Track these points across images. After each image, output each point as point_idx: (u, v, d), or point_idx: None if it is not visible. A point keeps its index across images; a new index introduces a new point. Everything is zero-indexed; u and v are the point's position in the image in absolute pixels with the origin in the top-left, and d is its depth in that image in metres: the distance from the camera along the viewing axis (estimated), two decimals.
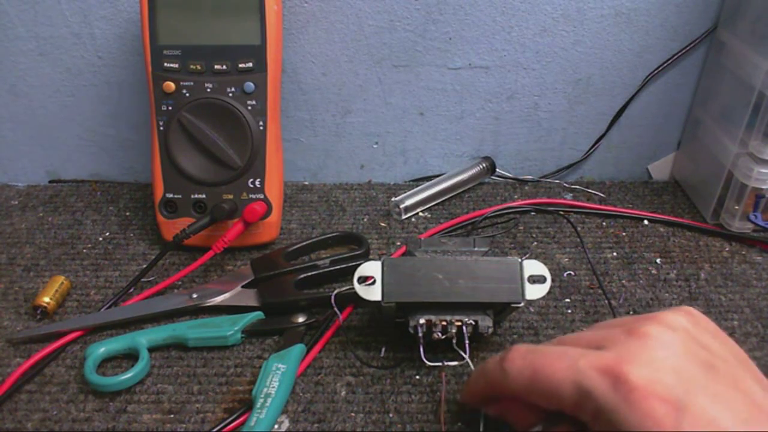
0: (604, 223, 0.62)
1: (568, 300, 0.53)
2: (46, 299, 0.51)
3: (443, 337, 0.43)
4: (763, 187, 0.57)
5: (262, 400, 0.42)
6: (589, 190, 0.67)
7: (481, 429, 0.40)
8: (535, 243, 0.60)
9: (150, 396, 0.45)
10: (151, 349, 0.48)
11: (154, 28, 0.54)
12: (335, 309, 0.47)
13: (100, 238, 0.61)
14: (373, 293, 0.43)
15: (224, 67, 0.54)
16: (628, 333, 0.33)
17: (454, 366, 0.44)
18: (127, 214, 0.65)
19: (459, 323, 0.43)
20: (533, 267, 0.43)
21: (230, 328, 0.48)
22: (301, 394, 0.45)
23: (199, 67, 0.54)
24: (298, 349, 0.46)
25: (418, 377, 0.46)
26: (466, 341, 0.42)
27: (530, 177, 0.70)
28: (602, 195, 0.67)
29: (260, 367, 0.45)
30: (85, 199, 0.67)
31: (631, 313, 0.52)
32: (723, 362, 0.32)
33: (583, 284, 0.55)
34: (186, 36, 0.55)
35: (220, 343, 0.48)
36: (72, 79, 0.64)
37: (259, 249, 0.59)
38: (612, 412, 0.30)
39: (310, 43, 0.62)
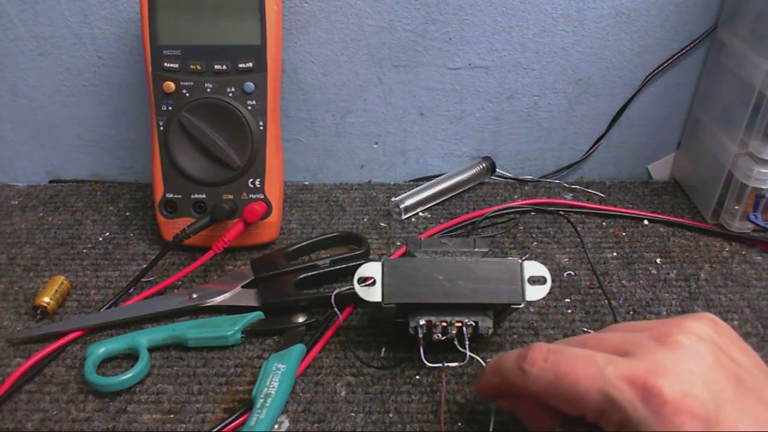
0: (604, 223, 0.62)
1: (568, 300, 0.53)
2: (46, 299, 0.51)
3: (443, 338, 0.43)
4: (763, 187, 0.57)
5: (262, 400, 0.42)
6: (589, 190, 0.67)
7: (492, 425, 0.40)
8: (535, 243, 0.60)
9: (150, 396, 0.45)
10: (151, 349, 0.48)
11: (154, 28, 0.54)
12: (335, 309, 0.47)
13: (100, 238, 0.61)
14: (373, 294, 0.43)
15: (224, 67, 0.54)
16: (657, 341, 0.32)
17: (454, 366, 0.44)
18: (127, 214, 0.65)
19: (459, 324, 0.43)
20: (533, 268, 0.43)
21: (230, 328, 0.48)
22: (301, 394, 0.45)
23: (199, 67, 0.54)
24: (298, 349, 0.46)
25: (418, 377, 0.46)
26: (467, 342, 0.42)
27: (530, 177, 0.70)
28: (602, 195, 0.67)
29: (260, 367, 0.45)
30: (85, 199, 0.67)
31: (631, 313, 0.52)
32: (749, 374, 0.32)
33: (583, 284, 0.55)
34: (186, 36, 0.54)
35: (220, 343, 0.48)
36: (72, 79, 0.64)
37: (259, 249, 0.59)
38: (640, 425, 0.30)
39: (310, 43, 0.62)
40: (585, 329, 0.50)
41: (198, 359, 0.48)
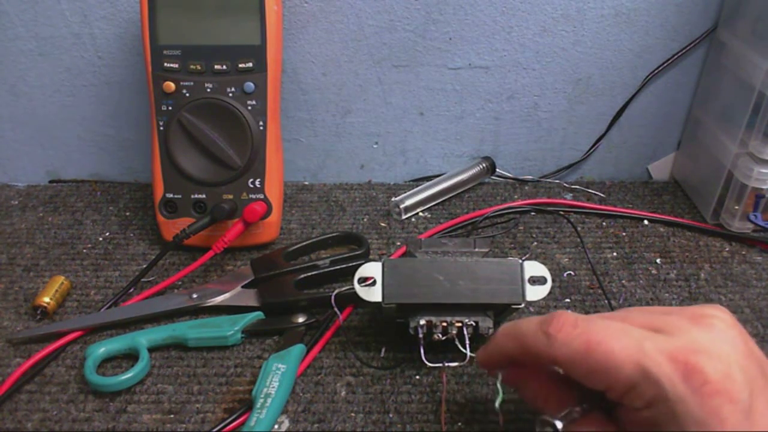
0: (604, 223, 0.62)
1: (568, 300, 0.53)
2: (46, 299, 0.51)
3: (444, 338, 0.43)
4: (763, 187, 0.57)
5: (262, 400, 0.42)
6: (589, 190, 0.67)
7: (500, 397, 0.38)
8: (535, 243, 0.60)
9: (150, 396, 0.45)
10: (151, 349, 0.48)
11: (154, 28, 0.54)
12: (335, 309, 0.47)
13: (100, 238, 0.61)
14: (373, 294, 0.43)
15: (224, 67, 0.54)
16: (691, 321, 0.31)
17: (455, 366, 0.44)
18: (127, 214, 0.65)
19: (459, 324, 0.43)
20: (534, 268, 0.43)
21: (230, 328, 0.48)
22: (301, 394, 0.45)
23: (199, 67, 0.54)
24: (298, 349, 0.46)
25: (418, 377, 0.46)
26: (467, 342, 0.42)
27: (530, 177, 0.70)
28: (602, 195, 0.67)
29: (260, 367, 0.45)
30: (85, 199, 0.67)
31: None
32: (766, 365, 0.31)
33: (583, 284, 0.55)
34: (186, 36, 0.54)
35: (220, 343, 0.48)
36: (72, 79, 0.64)
37: (259, 249, 0.59)
38: (677, 402, 0.29)
39: (310, 43, 0.62)
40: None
41: (198, 359, 0.48)
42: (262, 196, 0.57)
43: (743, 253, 0.59)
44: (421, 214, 0.64)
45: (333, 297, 0.47)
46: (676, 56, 0.63)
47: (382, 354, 0.48)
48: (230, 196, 0.56)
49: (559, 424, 0.32)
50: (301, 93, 0.65)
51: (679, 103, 0.67)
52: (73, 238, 0.61)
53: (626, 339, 0.31)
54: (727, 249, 0.59)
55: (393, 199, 0.64)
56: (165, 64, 0.55)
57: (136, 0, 0.60)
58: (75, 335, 0.49)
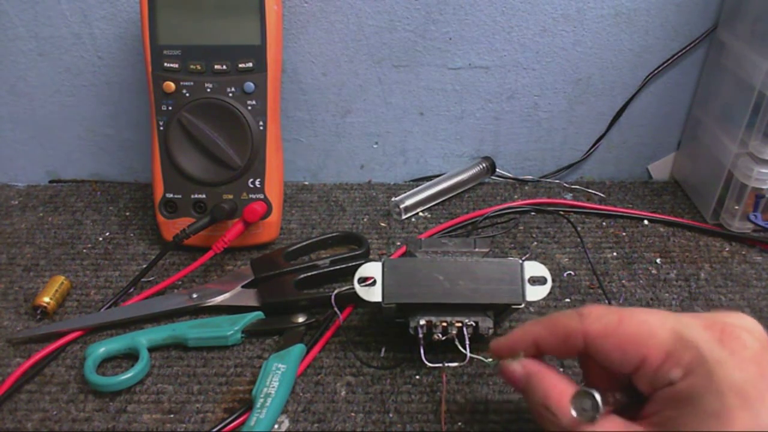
0: (604, 223, 0.62)
1: (568, 300, 0.53)
2: (46, 299, 0.51)
3: (444, 338, 0.43)
4: (763, 187, 0.57)
5: (262, 400, 0.42)
6: (589, 190, 0.67)
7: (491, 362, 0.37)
8: (535, 243, 0.60)
9: (150, 396, 0.45)
10: (151, 349, 0.48)
11: (154, 28, 0.54)
12: (335, 309, 0.47)
13: (100, 238, 0.61)
14: (373, 294, 0.43)
15: (224, 67, 0.54)
16: (718, 311, 0.32)
17: (455, 367, 0.44)
18: (127, 214, 0.65)
19: (459, 324, 0.43)
20: (534, 268, 0.43)
21: (230, 328, 0.48)
22: (301, 394, 0.45)
23: (199, 67, 0.54)
24: (298, 349, 0.46)
25: (418, 377, 0.46)
26: (467, 342, 0.42)
27: (530, 177, 0.70)
28: (602, 195, 0.67)
29: (260, 367, 0.45)
30: (85, 199, 0.67)
31: None
32: None
33: (583, 284, 0.55)
34: (186, 36, 0.54)
35: (220, 343, 0.48)
36: (72, 79, 0.64)
37: (259, 249, 0.59)
38: (716, 364, 0.28)
39: (310, 43, 0.62)
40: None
41: (198, 359, 0.48)
42: (262, 196, 0.57)
43: (743, 253, 0.59)
44: (421, 214, 0.64)
45: (333, 297, 0.47)
46: (676, 56, 0.63)
47: (382, 354, 0.48)
48: (230, 196, 0.56)
49: (597, 396, 0.31)
50: (301, 93, 0.65)
51: (679, 103, 0.67)
52: (73, 238, 0.61)
53: (660, 313, 0.31)
54: (727, 249, 0.59)
55: (393, 199, 0.64)
56: (165, 64, 0.55)
57: (136, 0, 0.60)
58: (75, 335, 0.49)
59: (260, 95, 0.55)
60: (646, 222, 0.63)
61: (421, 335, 0.43)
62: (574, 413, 0.31)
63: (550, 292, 0.43)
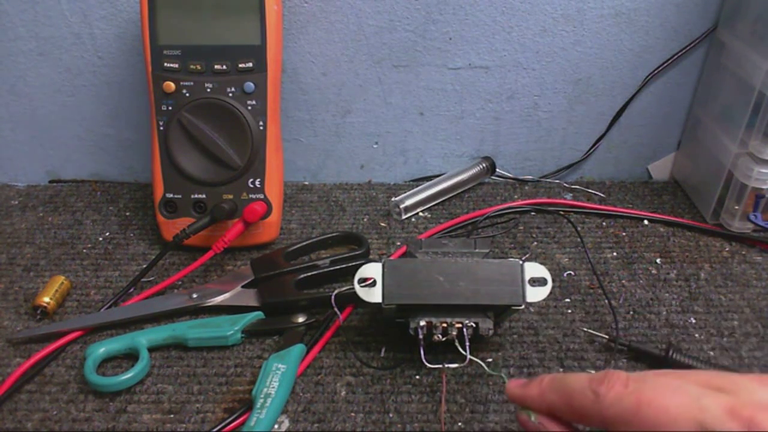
0: (604, 223, 0.62)
1: (568, 300, 0.53)
2: (46, 299, 0.51)
3: (444, 338, 0.43)
4: (763, 187, 0.57)
5: (262, 400, 0.42)
6: (589, 190, 0.67)
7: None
8: (535, 243, 0.60)
9: (150, 396, 0.45)
10: (151, 349, 0.48)
11: (154, 28, 0.54)
12: (335, 309, 0.47)
13: (100, 238, 0.61)
14: (373, 295, 0.43)
15: (224, 67, 0.54)
16: (759, 381, 0.29)
17: (455, 367, 0.44)
18: (127, 214, 0.65)
19: (459, 325, 0.43)
20: (534, 269, 0.43)
21: (230, 328, 0.48)
22: (301, 394, 0.45)
23: (199, 67, 0.54)
24: (298, 349, 0.46)
25: (418, 377, 0.46)
26: (467, 343, 0.42)
27: (530, 177, 0.70)
28: (602, 195, 0.67)
29: (260, 367, 0.45)
30: (85, 199, 0.67)
31: (632, 313, 0.52)
32: None
33: (583, 284, 0.55)
34: (186, 36, 0.54)
35: (220, 343, 0.48)
36: (72, 79, 0.64)
37: (259, 249, 0.59)
38: None
39: (310, 43, 0.62)
40: (585, 329, 0.50)
41: (198, 359, 0.48)
42: (262, 196, 0.57)
43: (743, 253, 0.59)
44: (421, 214, 0.64)
45: (333, 297, 0.47)
46: (676, 56, 0.63)
47: (382, 354, 0.48)
48: (230, 196, 0.56)
49: None
50: (301, 93, 0.65)
51: (679, 103, 0.67)
52: (73, 238, 0.61)
53: (682, 396, 0.29)
54: (727, 249, 0.59)
55: (393, 199, 0.64)
56: (165, 64, 0.55)
57: (136, 0, 0.60)
58: (75, 335, 0.49)
59: (260, 95, 0.55)
60: (646, 222, 0.63)
61: (421, 336, 0.43)
62: None
63: (550, 292, 0.43)
